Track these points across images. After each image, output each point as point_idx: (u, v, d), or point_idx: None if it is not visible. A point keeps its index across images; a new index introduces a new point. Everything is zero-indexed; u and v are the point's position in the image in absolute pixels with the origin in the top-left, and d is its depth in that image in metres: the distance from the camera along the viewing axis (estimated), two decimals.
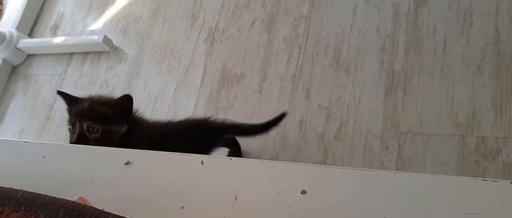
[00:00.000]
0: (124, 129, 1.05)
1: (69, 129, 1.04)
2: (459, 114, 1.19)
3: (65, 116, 1.09)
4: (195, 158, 0.69)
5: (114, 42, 1.84)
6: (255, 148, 1.38)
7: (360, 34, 1.44)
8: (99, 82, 1.80)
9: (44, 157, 0.81)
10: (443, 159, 1.16)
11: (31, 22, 2.13)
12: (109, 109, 1.03)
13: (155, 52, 1.75)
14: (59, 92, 1.09)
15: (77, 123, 1.00)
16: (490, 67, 1.23)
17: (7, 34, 2.00)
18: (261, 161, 0.65)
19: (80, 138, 1.00)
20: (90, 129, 1.00)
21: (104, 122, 1.01)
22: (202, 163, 0.68)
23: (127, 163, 0.73)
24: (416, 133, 1.21)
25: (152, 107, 1.64)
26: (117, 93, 1.71)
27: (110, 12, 1.96)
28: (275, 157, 1.35)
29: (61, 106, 1.81)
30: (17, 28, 2.05)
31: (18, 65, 2.05)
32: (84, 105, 1.03)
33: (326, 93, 1.38)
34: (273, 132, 1.38)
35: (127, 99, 1.05)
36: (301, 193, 0.59)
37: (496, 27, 1.27)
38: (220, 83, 1.55)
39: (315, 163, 1.29)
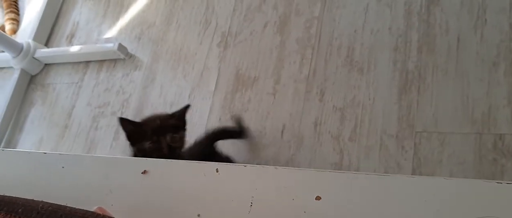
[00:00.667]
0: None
1: (148, 147, 1.11)
2: (475, 112, 1.18)
3: (125, 140, 1.20)
4: (210, 166, 0.70)
5: (129, 50, 1.87)
6: (270, 151, 1.39)
7: (373, 33, 1.43)
8: (115, 90, 1.83)
9: (63, 167, 0.82)
10: (460, 157, 1.15)
11: (47, 32, 2.17)
12: (176, 120, 1.17)
13: (170, 58, 1.77)
14: (121, 119, 1.17)
15: (161, 138, 1.11)
16: (506, 63, 1.22)
17: (25, 45, 2.04)
18: (276, 168, 0.65)
19: (169, 149, 1.11)
20: (173, 140, 1.12)
21: (178, 130, 1.15)
22: (217, 170, 0.69)
23: (144, 172, 0.74)
24: (432, 131, 1.21)
25: (168, 112, 1.65)
26: (133, 100, 1.74)
27: (124, 20, 1.99)
28: (290, 160, 1.35)
29: (79, 114, 1.84)
30: (34, 39, 2.09)
31: (36, 75, 2.09)
32: (157, 123, 1.14)
33: (340, 94, 1.38)
34: (289, 134, 1.39)
35: (187, 108, 1.21)
36: (316, 199, 0.60)
37: (510, 23, 1.25)
38: (234, 87, 1.56)
39: (332, 165, 1.29)
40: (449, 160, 1.16)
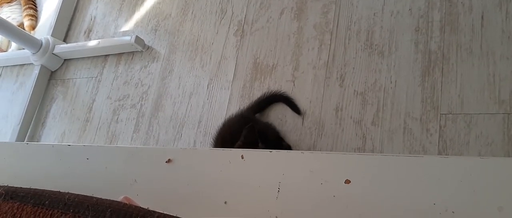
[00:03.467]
0: None
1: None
2: (502, 91, 1.15)
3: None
4: (235, 153, 0.69)
5: (146, 42, 1.87)
6: (292, 139, 1.38)
7: (393, 16, 1.40)
8: (134, 82, 1.83)
9: (87, 159, 0.83)
10: (487, 138, 1.12)
11: (65, 28, 2.18)
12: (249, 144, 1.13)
13: (187, 49, 1.76)
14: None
15: None
16: None
17: (44, 41, 2.05)
18: (302, 152, 0.64)
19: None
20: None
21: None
22: (242, 157, 0.68)
23: (168, 161, 0.74)
24: (457, 113, 1.18)
25: (187, 103, 1.65)
26: (152, 92, 1.74)
27: (140, 12, 1.99)
28: (313, 147, 1.34)
29: (99, 108, 1.86)
30: (53, 34, 2.10)
31: (55, 71, 2.11)
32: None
33: (361, 79, 1.35)
34: (310, 121, 1.37)
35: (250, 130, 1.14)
36: (345, 182, 0.58)
37: None
38: (253, 75, 1.55)
39: (354, 150, 1.28)
40: (476, 141, 1.13)
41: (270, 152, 0.67)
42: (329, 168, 0.61)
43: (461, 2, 1.31)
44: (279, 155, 0.67)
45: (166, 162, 0.74)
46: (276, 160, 0.66)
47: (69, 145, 0.88)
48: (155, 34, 1.88)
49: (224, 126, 1.37)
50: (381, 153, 1.24)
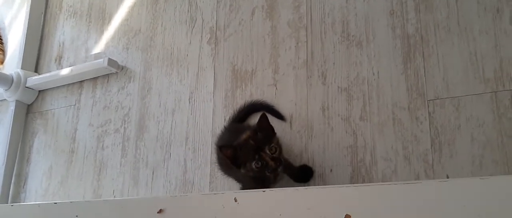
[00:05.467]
0: None
1: (255, 167, 1.07)
2: (486, 69, 1.14)
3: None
4: (228, 196, 0.66)
5: (120, 62, 1.82)
6: (283, 144, 1.35)
7: (365, 1, 1.37)
8: (114, 106, 1.79)
9: (76, 216, 0.79)
10: (478, 120, 1.10)
11: (35, 58, 2.12)
12: (263, 131, 1.09)
13: (162, 64, 1.72)
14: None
15: (263, 155, 1.06)
16: (510, 8, 1.16)
17: (14, 75, 1.99)
18: (296, 189, 0.62)
19: (274, 160, 1.06)
20: (272, 150, 1.07)
21: (271, 139, 1.09)
22: (235, 200, 0.65)
23: (160, 211, 0.71)
24: (444, 98, 1.16)
25: (171, 120, 1.62)
26: (134, 113, 1.70)
27: (109, 32, 1.93)
28: (304, 149, 1.32)
29: (82, 136, 1.81)
30: (22, 67, 2.04)
31: (32, 104, 2.05)
32: (251, 145, 1.07)
33: (343, 74, 1.33)
34: (297, 124, 1.35)
35: (264, 117, 1.10)
36: (345, 217, 0.56)
37: None
38: (233, 84, 1.52)
39: (346, 148, 1.26)
40: (467, 124, 1.11)
41: (264, 191, 0.65)
42: (327, 203, 0.59)
43: None
44: (273, 193, 0.64)
45: (157, 212, 0.71)
46: (271, 199, 0.63)
47: (55, 203, 0.85)
48: (128, 53, 1.83)
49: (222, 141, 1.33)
50: (373, 147, 1.22)
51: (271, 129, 1.12)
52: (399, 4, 1.32)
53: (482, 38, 1.17)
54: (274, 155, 1.06)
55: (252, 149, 1.06)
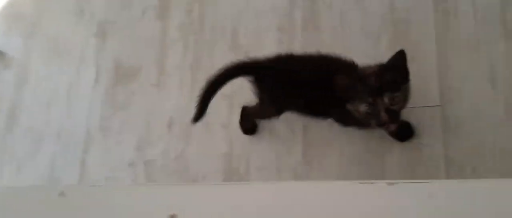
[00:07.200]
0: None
1: (364, 111, 0.87)
2: None
3: None
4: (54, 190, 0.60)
5: None
6: (159, 147, 1.31)
7: (257, 14, 1.39)
8: None
9: None
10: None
11: None
12: (394, 72, 0.88)
13: (43, 53, 1.60)
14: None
15: (378, 100, 0.85)
16: (387, 35, 1.23)
17: None
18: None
19: (390, 116, 0.86)
20: (393, 100, 0.86)
21: (398, 87, 0.87)
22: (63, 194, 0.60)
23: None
24: None
25: (45, 113, 1.50)
26: (4, 103, 1.56)
27: None
28: (180, 155, 1.28)
29: None
30: None
31: None
32: (371, 82, 0.87)
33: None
34: (177, 128, 1.32)
35: (402, 54, 0.88)
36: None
37: None
38: (115, 80, 1.45)
39: (223, 155, 1.24)
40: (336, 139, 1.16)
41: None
42: (153, 202, 0.55)
43: (322, 1, 1.33)
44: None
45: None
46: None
47: None
48: (6, 38, 1.68)
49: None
50: (248, 158, 1.22)
51: (405, 72, 0.90)
52: (288, 21, 1.35)
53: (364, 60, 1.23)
54: (393, 108, 0.87)
55: (369, 89, 0.86)
